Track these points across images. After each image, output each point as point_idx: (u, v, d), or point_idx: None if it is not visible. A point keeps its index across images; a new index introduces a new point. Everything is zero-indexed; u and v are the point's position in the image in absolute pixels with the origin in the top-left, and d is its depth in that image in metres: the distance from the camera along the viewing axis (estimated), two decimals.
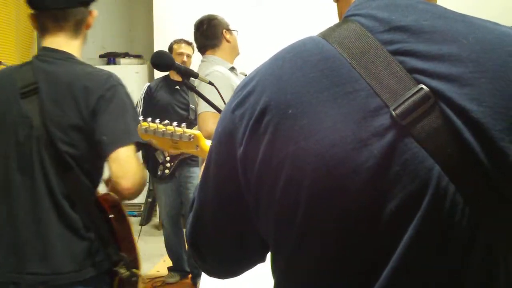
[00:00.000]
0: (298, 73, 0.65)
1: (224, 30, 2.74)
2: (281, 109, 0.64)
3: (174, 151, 1.23)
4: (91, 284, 1.46)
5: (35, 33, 4.92)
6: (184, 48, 3.69)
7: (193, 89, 1.64)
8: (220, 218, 0.75)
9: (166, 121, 1.17)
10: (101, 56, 6.27)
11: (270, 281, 0.73)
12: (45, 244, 1.43)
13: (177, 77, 3.64)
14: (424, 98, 0.59)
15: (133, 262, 1.53)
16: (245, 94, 0.68)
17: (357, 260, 0.62)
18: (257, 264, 0.81)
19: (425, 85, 0.59)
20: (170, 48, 3.72)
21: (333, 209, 0.62)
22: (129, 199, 1.49)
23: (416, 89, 0.59)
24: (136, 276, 1.51)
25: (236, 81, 2.61)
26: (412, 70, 0.61)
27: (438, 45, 0.61)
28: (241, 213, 0.71)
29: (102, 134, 1.41)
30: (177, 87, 3.71)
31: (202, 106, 2.39)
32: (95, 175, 1.52)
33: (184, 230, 3.72)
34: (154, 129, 1.17)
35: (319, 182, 0.61)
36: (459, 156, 0.58)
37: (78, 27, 1.54)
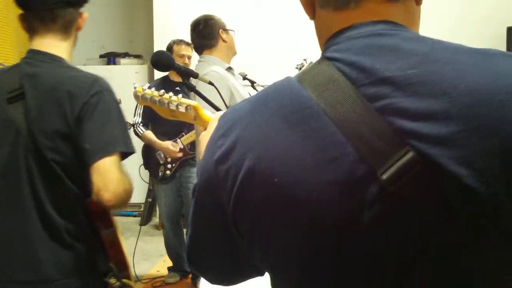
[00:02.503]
0: (281, 136, 0.62)
1: (221, 30, 2.74)
2: (266, 176, 0.62)
3: (172, 119, 1.22)
4: None
5: None
6: (185, 50, 3.69)
7: (193, 89, 1.64)
8: (214, 246, 0.76)
9: (162, 91, 1.15)
10: (101, 56, 6.25)
11: (269, 282, 0.73)
12: (31, 252, 1.40)
13: (177, 78, 3.64)
14: (412, 162, 0.56)
15: (123, 272, 1.49)
16: (227, 148, 0.66)
17: None
18: (255, 277, 0.81)
19: (413, 148, 0.56)
20: (170, 48, 3.72)
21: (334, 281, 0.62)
22: (113, 209, 1.44)
23: (404, 152, 0.56)
24: (128, 286, 1.48)
25: (233, 81, 2.61)
26: (399, 131, 0.57)
27: (426, 101, 0.57)
28: (234, 243, 0.71)
29: (84, 142, 1.37)
30: (177, 88, 3.71)
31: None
32: (84, 182, 1.46)
33: (185, 230, 3.72)
34: (150, 96, 1.15)
35: (311, 251, 0.62)
36: (451, 222, 0.56)
37: (67, 29, 1.51)
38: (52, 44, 1.48)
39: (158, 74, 4.36)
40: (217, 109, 1.67)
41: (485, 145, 0.54)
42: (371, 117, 0.58)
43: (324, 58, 0.65)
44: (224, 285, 0.88)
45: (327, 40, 0.69)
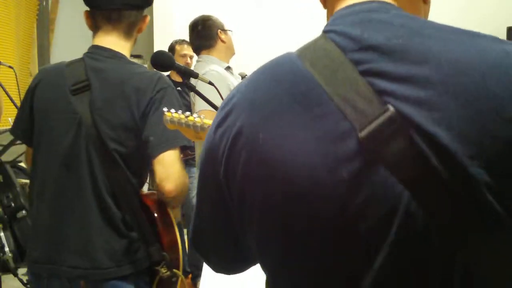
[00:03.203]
0: (271, 98, 0.66)
1: (219, 30, 2.75)
2: (252, 133, 0.65)
3: (198, 140, 1.26)
4: (129, 281, 1.48)
5: (35, 33, 4.93)
6: (187, 50, 3.70)
7: (193, 89, 1.64)
8: (215, 226, 0.78)
9: (187, 113, 1.20)
10: None
11: None
12: (86, 239, 1.45)
13: (178, 78, 3.64)
14: (390, 120, 0.58)
15: (175, 262, 1.54)
16: (224, 115, 0.70)
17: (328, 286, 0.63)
18: (255, 264, 0.82)
19: (393, 107, 0.58)
20: (172, 48, 3.72)
21: (304, 235, 0.63)
22: (172, 203, 1.51)
23: (383, 110, 0.58)
24: (177, 276, 1.53)
25: (233, 80, 2.62)
26: (380, 92, 0.59)
27: (408, 66, 0.59)
28: (232, 223, 0.73)
29: (149, 135, 1.43)
30: (179, 88, 3.71)
31: (199, 105, 2.39)
32: (142, 174, 1.53)
33: (185, 230, 3.72)
34: (178, 120, 1.20)
35: (291, 206, 0.63)
36: (427, 181, 0.57)
37: (130, 30, 1.58)
38: (116, 42, 1.55)
39: None
40: (217, 108, 1.67)
41: (463, 111, 0.56)
42: (355, 79, 0.61)
43: (323, 32, 0.69)
44: (228, 272, 0.89)
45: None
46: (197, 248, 0.84)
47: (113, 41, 1.54)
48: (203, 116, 1.20)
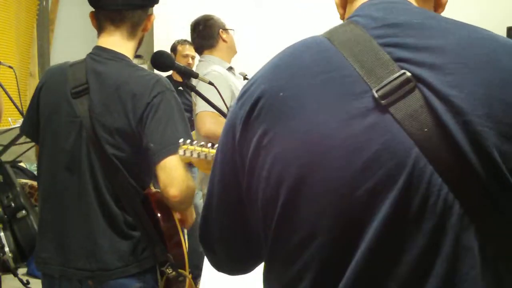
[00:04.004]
0: (293, 62, 0.70)
1: (221, 30, 2.75)
2: (273, 93, 0.68)
3: (207, 172, 1.25)
4: (137, 279, 1.48)
5: (35, 33, 4.93)
6: (189, 50, 3.70)
7: (193, 89, 1.64)
8: (224, 211, 0.78)
9: (202, 142, 1.19)
10: None
11: None
12: (91, 242, 1.46)
13: (179, 78, 3.64)
14: (405, 81, 0.62)
15: (180, 262, 1.54)
16: (247, 87, 0.73)
17: (331, 240, 0.63)
18: (261, 262, 0.81)
19: (409, 72, 0.62)
20: (174, 48, 3.71)
21: (312, 188, 0.64)
22: (178, 207, 1.50)
23: (399, 73, 0.62)
24: (183, 276, 1.54)
25: (234, 81, 2.61)
26: (398, 59, 0.64)
27: (425, 40, 0.65)
28: (242, 205, 0.73)
29: (149, 141, 1.42)
30: (180, 88, 3.71)
31: (200, 106, 2.39)
32: (144, 178, 1.52)
33: (185, 229, 3.72)
34: (192, 151, 1.19)
35: (302, 159, 0.64)
36: (437, 138, 0.60)
37: (134, 30, 1.55)
38: (118, 43, 1.53)
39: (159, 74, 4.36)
40: (217, 109, 1.67)
41: (475, 76, 0.61)
42: (373, 48, 0.65)
43: (348, 17, 0.74)
44: (231, 272, 0.89)
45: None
46: (203, 243, 0.83)
47: (116, 41, 1.53)
48: (210, 144, 1.19)
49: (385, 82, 0.62)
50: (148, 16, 1.59)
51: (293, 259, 0.66)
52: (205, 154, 1.18)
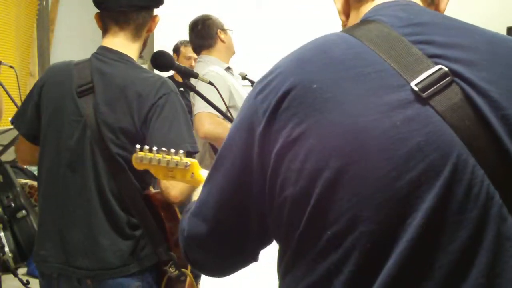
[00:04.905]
0: (323, 56, 0.68)
1: (219, 30, 2.75)
2: (305, 85, 0.66)
3: (167, 179, 1.22)
4: (136, 278, 1.48)
5: (35, 33, 4.93)
6: (192, 52, 3.69)
7: (193, 89, 1.64)
8: (227, 204, 0.75)
9: (164, 149, 1.15)
10: None
11: (270, 281, 0.74)
12: (92, 241, 1.46)
13: (180, 78, 3.63)
14: (443, 75, 0.63)
15: (183, 261, 1.53)
16: (267, 81, 0.70)
17: (371, 231, 0.62)
18: (249, 263, 0.81)
19: (446, 66, 0.63)
20: (177, 49, 3.70)
21: (353, 179, 0.62)
22: (180, 205, 1.49)
23: (436, 68, 0.63)
24: (185, 275, 1.53)
25: (233, 81, 2.61)
26: (431, 55, 0.65)
27: (454, 38, 0.67)
28: (248, 203, 0.71)
29: (152, 142, 1.39)
30: (181, 88, 3.70)
31: (199, 107, 2.39)
32: (146, 178, 1.52)
33: None
34: (150, 158, 1.15)
35: (341, 150, 0.63)
36: (479, 130, 0.61)
37: (139, 31, 1.56)
38: (123, 44, 1.54)
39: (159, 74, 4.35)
40: (217, 109, 1.67)
41: (507, 73, 0.64)
42: (405, 45, 0.66)
43: (364, 19, 0.73)
44: (214, 275, 0.87)
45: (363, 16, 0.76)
46: (188, 242, 0.80)
47: (120, 42, 1.54)
48: (182, 152, 1.14)
49: (422, 76, 0.63)
50: (153, 17, 1.59)
51: (326, 253, 0.64)
52: (167, 161, 1.14)
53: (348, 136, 0.63)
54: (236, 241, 0.77)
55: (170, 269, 1.49)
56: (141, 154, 1.17)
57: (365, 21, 0.72)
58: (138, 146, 1.18)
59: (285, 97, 0.66)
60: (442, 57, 0.64)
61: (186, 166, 1.14)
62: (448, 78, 0.62)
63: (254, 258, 0.81)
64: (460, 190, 0.61)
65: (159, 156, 1.15)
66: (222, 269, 0.85)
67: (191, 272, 4.07)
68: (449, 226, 0.61)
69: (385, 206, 0.62)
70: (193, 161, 1.16)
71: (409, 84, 0.63)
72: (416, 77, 0.63)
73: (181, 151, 1.14)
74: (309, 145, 0.64)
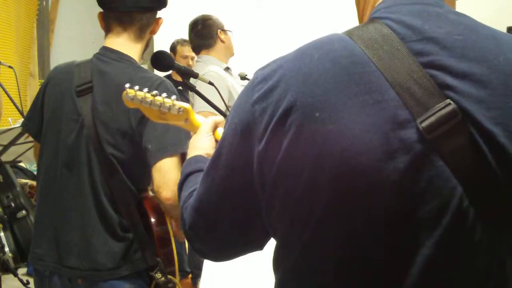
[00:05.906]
0: (327, 74, 0.63)
1: (219, 30, 2.75)
2: (307, 111, 0.62)
3: (161, 122, 1.18)
4: (128, 280, 1.48)
5: (35, 33, 4.93)
6: (189, 51, 3.69)
7: (193, 89, 1.64)
8: (225, 206, 0.74)
9: (155, 92, 1.12)
10: None
11: (269, 281, 0.73)
12: (85, 241, 1.46)
13: (179, 78, 3.63)
14: (452, 114, 0.59)
15: (169, 268, 1.52)
16: (267, 89, 0.66)
17: (368, 272, 0.62)
18: (254, 251, 0.81)
19: (454, 102, 0.59)
20: (173, 48, 3.70)
21: (351, 219, 0.61)
22: (172, 212, 1.47)
23: (445, 104, 0.59)
24: (173, 283, 1.50)
25: (232, 81, 2.61)
26: (442, 86, 0.61)
27: (469, 63, 0.61)
28: (247, 204, 0.71)
29: (148, 142, 1.41)
30: (180, 87, 3.70)
31: (198, 106, 2.39)
32: (142, 180, 1.51)
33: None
34: (142, 98, 1.12)
35: (341, 189, 0.61)
36: (482, 178, 0.59)
37: (142, 32, 1.56)
38: (125, 44, 1.54)
39: (158, 74, 4.36)
40: (217, 108, 1.67)
41: None
42: (415, 70, 0.61)
43: (373, 18, 0.68)
44: (216, 259, 0.87)
45: (374, 6, 0.72)
46: (192, 228, 0.79)
47: (123, 43, 1.53)
48: (175, 97, 1.12)
49: (430, 113, 0.59)
50: (157, 20, 1.60)
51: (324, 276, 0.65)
52: (160, 104, 1.10)
53: (346, 178, 0.61)
54: (237, 236, 0.77)
55: (157, 275, 1.46)
56: (131, 91, 1.13)
57: (374, 21, 0.67)
58: (127, 85, 1.14)
59: (285, 118, 0.63)
60: (453, 90, 0.60)
61: (179, 111, 1.11)
62: (456, 118, 0.59)
63: (259, 246, 0.79)
64: (460, 240, 0.60)
65: (151, 97, 1.11)
66: (226, 255, 0.84)
67: (191, 272, 4.04)
68: (450, 274, 0.61)
69: (384, 253, 0.62)
70: (187, 107, 1.12)
71: (415, 121, 0.59)
72: (423, 113, 0.59)
73: (173, 96, 1.12)
74: (307, 179, 0.62)
